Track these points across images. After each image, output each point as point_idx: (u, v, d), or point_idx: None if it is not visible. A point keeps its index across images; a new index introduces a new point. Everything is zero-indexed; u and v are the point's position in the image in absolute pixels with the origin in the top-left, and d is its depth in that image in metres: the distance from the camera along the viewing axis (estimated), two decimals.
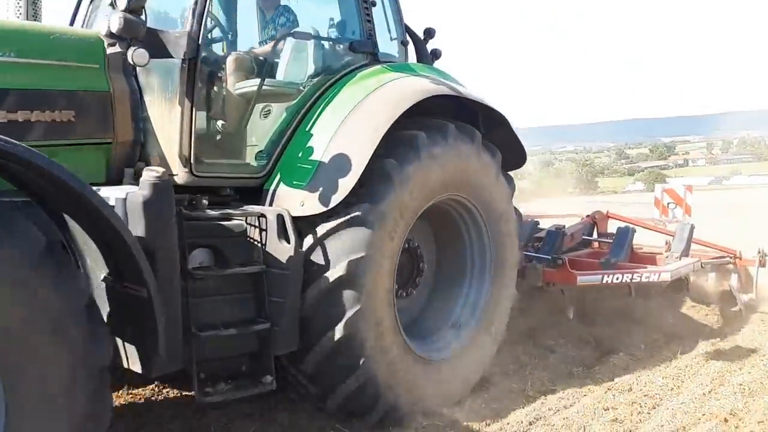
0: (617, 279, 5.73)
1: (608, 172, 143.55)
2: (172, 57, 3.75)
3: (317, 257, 3.95)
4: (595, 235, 7.58)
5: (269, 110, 4.41)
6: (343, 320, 3.91)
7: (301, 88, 4.46)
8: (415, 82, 4.55)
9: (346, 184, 3.89)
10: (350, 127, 4.11)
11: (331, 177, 3.94)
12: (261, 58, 4.72)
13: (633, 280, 5.77)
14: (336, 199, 3.88)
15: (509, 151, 5.29)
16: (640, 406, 4.51)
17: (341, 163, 3.96)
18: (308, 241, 3.98)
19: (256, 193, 4.20)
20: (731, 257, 7.26)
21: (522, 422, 4.31)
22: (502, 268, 5.07)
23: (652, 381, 5.05)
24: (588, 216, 7.46)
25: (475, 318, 4.91)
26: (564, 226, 6.86)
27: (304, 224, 4.00)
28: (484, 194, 4.89)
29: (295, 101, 4.38)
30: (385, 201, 4.05)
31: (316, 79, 4.50)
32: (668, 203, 8.79)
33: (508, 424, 4.30)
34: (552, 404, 4.63)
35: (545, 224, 7.46)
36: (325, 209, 3.89)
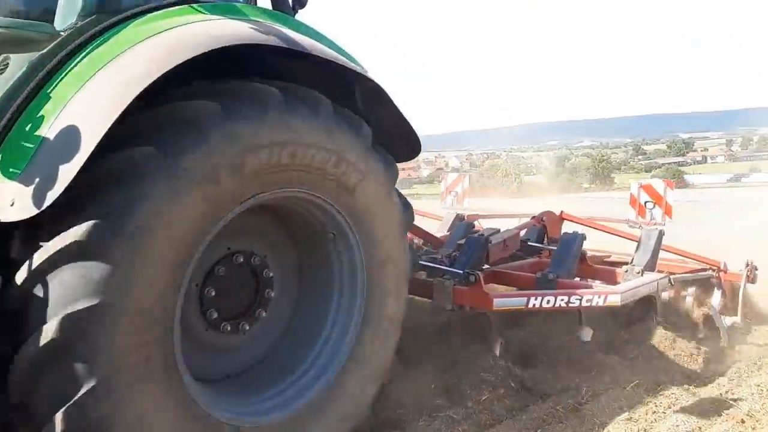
0: (548, 303, 4.32)
1: (625, 168, 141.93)
2: None
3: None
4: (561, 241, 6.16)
5: (7, 64, 3.06)
6: (62, 314, 2.45)
7: (62, 33, 3.09)
8: (223, 27, 3.13)
9: (66, 173, 2.50)
10: (94, 89, 2.72)
11: (52, 162, 2.54)
12: None
13: (570, 304, 4.37)
14: (51, 196, 2.49)
15: (397, 138, 3.95)
16: (656, 406, 4.39)
17: (68, 142, 2.54)
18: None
19: None
20: (714, 270, 5.86)
21: (535, 419, 4.12)
22: (376, 321, 3.69)
23: (669, 380, 4.90)
24: (534, 217, 6.03)
25: (324, 380, 3.53)
26: (497, 231, 5.47)
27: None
28: (366, 213, 3.57)
29: (43, 52, 3.01)
30: (188, 154, 2.71)
31: (83, 22, 3.12)
32: (645, 202, 7.38)
33: (521, 420, 4.12)
34: (566, 402, 4.39)
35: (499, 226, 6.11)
36: (36, 211, 2.52)
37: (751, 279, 5.83)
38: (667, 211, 7.24)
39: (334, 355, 3.56)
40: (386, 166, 3.71)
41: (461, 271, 4.46)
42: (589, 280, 5.54)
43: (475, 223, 7.19)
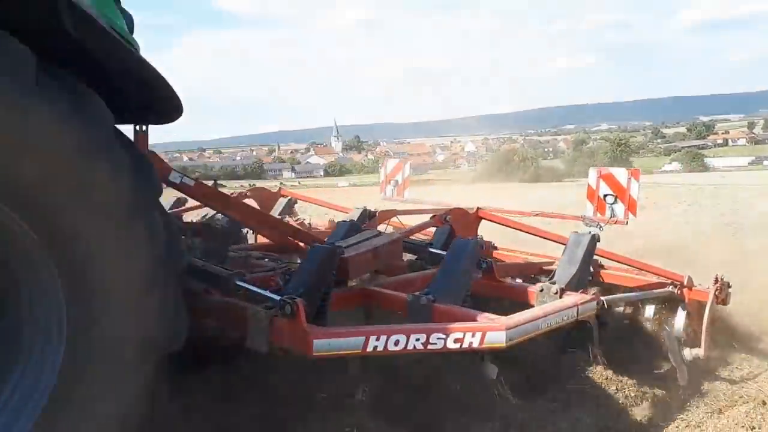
0: (396, 345, 2.94)
1: (643, 151, 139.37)
2: None
3: None
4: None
5: None
6: None
7: None
8: None
9: None
10: None
11: None
12: None
13: (429, 346, 2.98)
14: None
15: (156, 99, 2.60)
16: (677, 389, 4.24)
17: None
18: None
19: None
20: (675, 286, 4.45)
21: (544, 411, 3.85)
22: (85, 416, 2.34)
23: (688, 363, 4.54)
24: (436, 216, 4.60)
25: None
26: (378, 233, 4.08)
27: None
28: (81, 248, 2.21)
29: None
30: None
31: None
32: (605, 195, 5.91)
33: (536, 404, 3.91)
34: (585, 389, 4.11)
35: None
36: None
37: (721, 299, 4.42)
38: (631, 207, 5.78)
39: None
40: (134, 173, 2.33)
41: (278, 298, 3.07)
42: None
43: (397, 219, 5.82)
